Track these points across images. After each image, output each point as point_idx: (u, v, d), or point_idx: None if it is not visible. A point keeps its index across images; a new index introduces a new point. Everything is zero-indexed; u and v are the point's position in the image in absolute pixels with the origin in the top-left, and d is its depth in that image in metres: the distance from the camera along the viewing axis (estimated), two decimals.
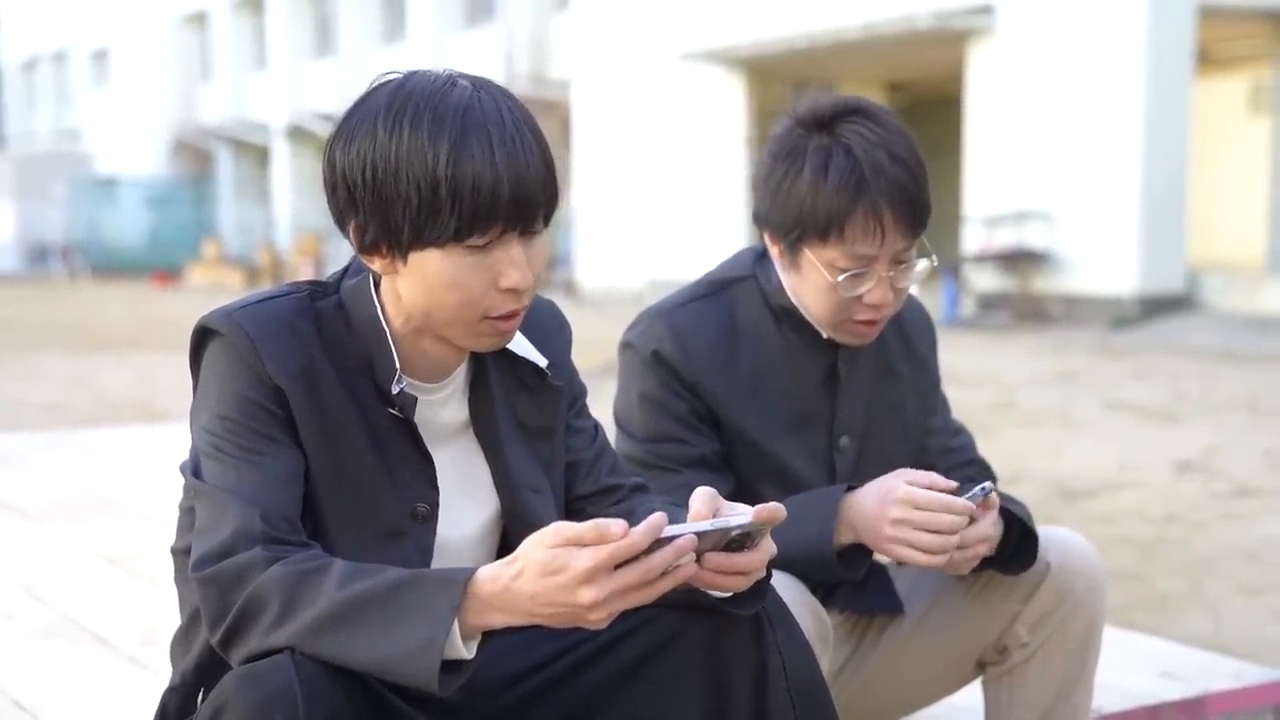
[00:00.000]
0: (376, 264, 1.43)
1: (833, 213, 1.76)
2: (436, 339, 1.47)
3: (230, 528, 1.35)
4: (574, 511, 1.60)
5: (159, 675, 1.60)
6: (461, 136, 1.35)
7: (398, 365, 1.45)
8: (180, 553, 1.52)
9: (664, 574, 1.25)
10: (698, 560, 1.30)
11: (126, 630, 2.75)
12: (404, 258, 1.40)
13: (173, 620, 1.62)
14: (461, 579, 1.27)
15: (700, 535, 1.27)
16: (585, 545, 1.22)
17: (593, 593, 1.22)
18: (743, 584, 1.35)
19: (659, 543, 1.24)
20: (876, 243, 1.77)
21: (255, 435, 1.39)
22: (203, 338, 1.45)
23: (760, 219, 1.86)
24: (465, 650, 1.27)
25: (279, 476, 1.39)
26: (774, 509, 1.32)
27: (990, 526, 1.76)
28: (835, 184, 1.75)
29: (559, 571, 1.22)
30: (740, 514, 1.32)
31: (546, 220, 1.44)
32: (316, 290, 1.48)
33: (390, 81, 1.42)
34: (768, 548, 1.35)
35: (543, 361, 1.57)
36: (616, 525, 1.22)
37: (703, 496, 1.34)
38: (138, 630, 2.74)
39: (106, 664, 2.55)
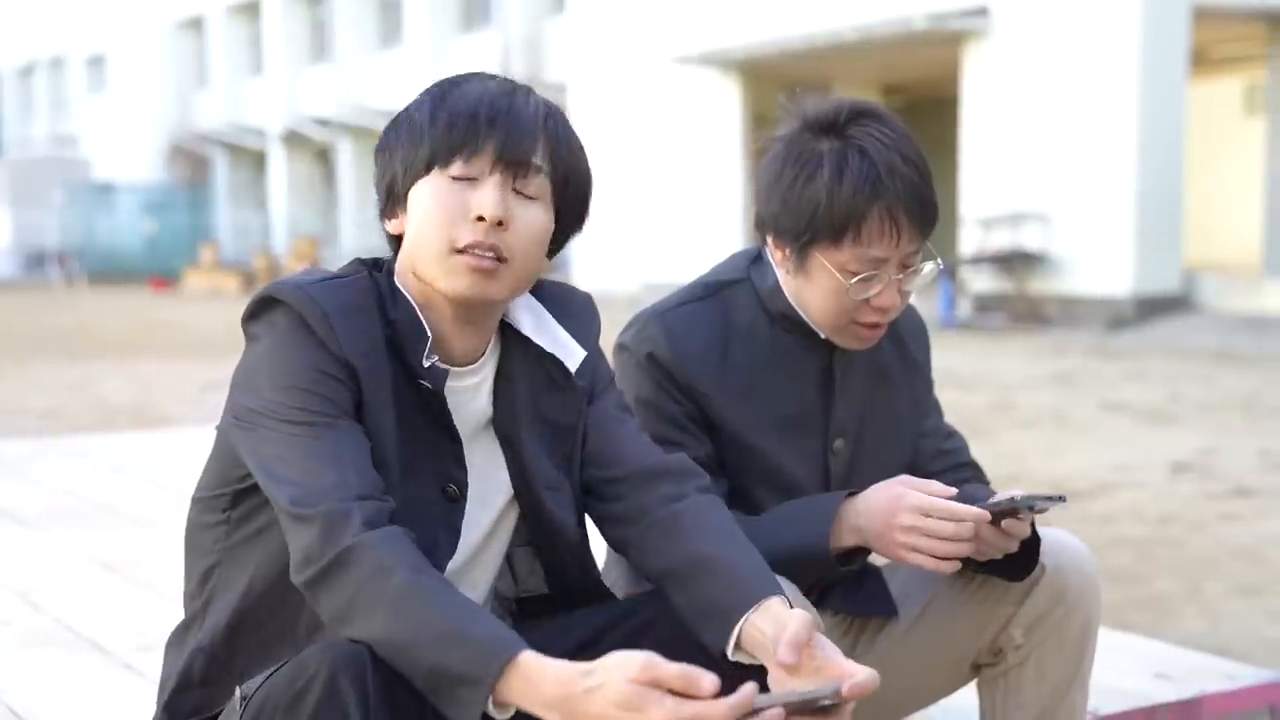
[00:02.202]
0: (391, 225, 1.50)
1: (849, 214, 1.75)
2: (443, 298, 1.49)
3: (321, 475, 1.37)
4: (616, 484, 1.59)
5: (154, 682, 1.60)
6: (456, 81, 1.49)
7: (429, 335, 1.48)
8: (200, 501, 1.54)
9: None
10: None
11: (122, 637, 2.75)
12: (405, 203, 1.48)
13: (168, 625, 1.62)
14: (503, 659, 1.24)
15: (788, 705, 1.20)
16: (672, 688, 1.17)
17: None
18: None
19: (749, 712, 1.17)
20: (891, 244, 1.77)
21: (331, 403, 1.41)
22: (266, 305, 1.46)
23: (766, 223, 1.85)
24: (496, 712, 1.26)
25: (357, 437, 1.42)
26: (868, 682, 1.26)
27: (1027, 529, 1.76)
28: (852, 186, 1.75)
29: (634, 710, 1.17)
30: (831, 684, 1.26)
31: (554, 193, 1.48)
32: (371, 271, 1.53)
33: None
34: (849, 710, 1.27)
35: (575, 359, 1.58)
36: (708, 680, 1.17)
37: (802, 622, 1.32)
38: (133, 636, 2.74)
39: (102, 671, 2.55)
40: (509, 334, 1.56)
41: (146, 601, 3.03)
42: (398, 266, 1.51)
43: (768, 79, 18.81)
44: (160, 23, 35.05)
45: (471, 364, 1.53)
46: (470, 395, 1.53)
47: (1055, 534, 1.93)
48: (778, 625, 1.38)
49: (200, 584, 1.54)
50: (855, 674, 1.28)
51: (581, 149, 1.52)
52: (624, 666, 1.19)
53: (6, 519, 3.98)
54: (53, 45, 39.75)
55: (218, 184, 34.46)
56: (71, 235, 32.18)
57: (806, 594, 1.81)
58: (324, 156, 30.77)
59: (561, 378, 1.58)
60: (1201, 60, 16.42)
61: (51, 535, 3.75)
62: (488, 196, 1.43)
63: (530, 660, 1.24)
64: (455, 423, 1.51)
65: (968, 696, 2.09)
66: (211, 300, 23.16)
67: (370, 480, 1.39)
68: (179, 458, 4.90)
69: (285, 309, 1.44)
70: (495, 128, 1.43)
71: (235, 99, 33.25)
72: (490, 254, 1.44)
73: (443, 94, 1.47)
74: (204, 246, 30.20)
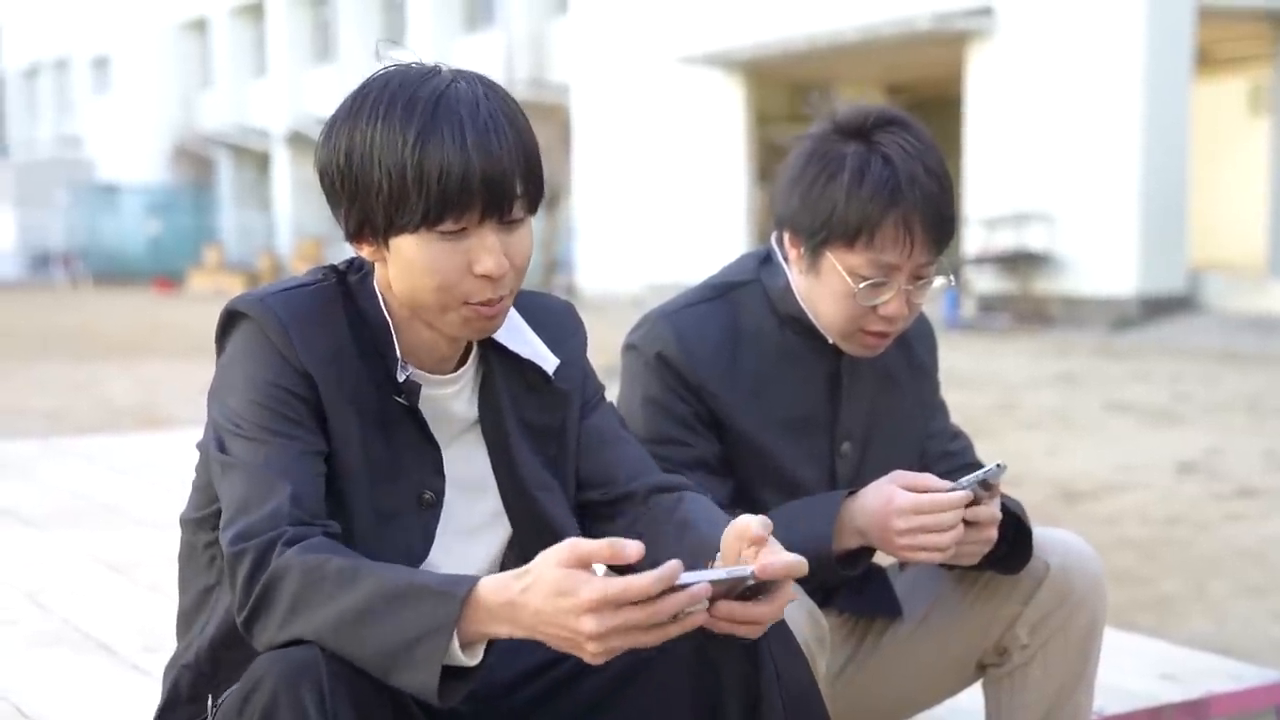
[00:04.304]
0: (365, 251, 1.47)
1: (864, 218, 1.77)
2: (428, 325, 1.49)
3: (260, 508, 1.37)
4: (618, 504, 1.60)
5: (160, 682, 1.61)
6: (431, 123, 1.38)
7: (399, 354, 1.48)
8: (189, 523, 1.55)
9: (673, 619, 1.22)
10: (710, 603, 1.26)
11: (128, 637, 2.75)
12: (385, 244, 1.44)
13: (174, 626, 1.62)
14: (460, 594, 1.26)
15: (714, 583, 1.24)
16: (600, 561, 1.21)
17: (594, 624, 1.19)
18: (755, 633, 1.33)
19: (673, 588, 1.20)
20: (904, 253, 1.78)
21: (285, 419, 1.42)
22: (232, 320, 1.48)
23: (784, 219, 1.86)
24: (466, 657, 1.27)
25: (307, 460, 1.42)
26: (794, 564, 1.29)
27: (997, 509, 1.76)
28: (871, 190, 1.76)
29: (566, 594, 1.20)
30: (748, 566, 1.28)
31: (532, 209, 1.46)
32: (341, 276, 1.52)
33: (376, 77, 1.45)
34: (784, 596, 1.32)
35: (550, 365, 1.58)
36: (632, 547, 1.21)
37: (763, 523, 1.34)
38: (139, 637, 2.74)
39: (108, 671, 2.56)
40: (486, 341, 1.55)
41: (152, 602, 3.03)
42: (378, 282, 1.50)
43: (772, 79, 18.82)
44: (164, 24, 35.08)
45: (451, 371, 1.53)
46: (450, 401, 1.53)
47: (1060, 534, 1.93)
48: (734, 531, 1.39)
49: (199, 603, 1.54)
50: (782, 559, 1.30)
51: (528, 125, 1.46)
52: (552, 555, 1.23)
53: (13, 520, 3.99)
54: (57, 47, 39.79)
55: (222, 185, 34.48)
56: (76, 236, 32.21)
57: (811, 595, 1.81)
58: None
59: (540, 382, 1.58)
60: (1206, 60, 16.40)
61: (57, 536, 3.76)
62: (490, 253, 1.40)
63: (481, 588, 1.26)
64: (434, 430, 1.50)
65: (973, 697, 2.09)
66: (216, 301, 23.13)
67: (309, 505, 1.39)
68: (184, 459, 4.88)
69: (247, 322, 1.46)
70: (483, 182, 1.38)
71: (239, 100, 33.27)
72: (498, 303, 1.45)
73: (419, 142, 1.37)
74: (208, 248, 30.21)
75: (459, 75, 1.44)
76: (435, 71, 1.44)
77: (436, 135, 1.38)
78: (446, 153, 1.37)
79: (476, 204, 1.39)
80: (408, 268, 1.43)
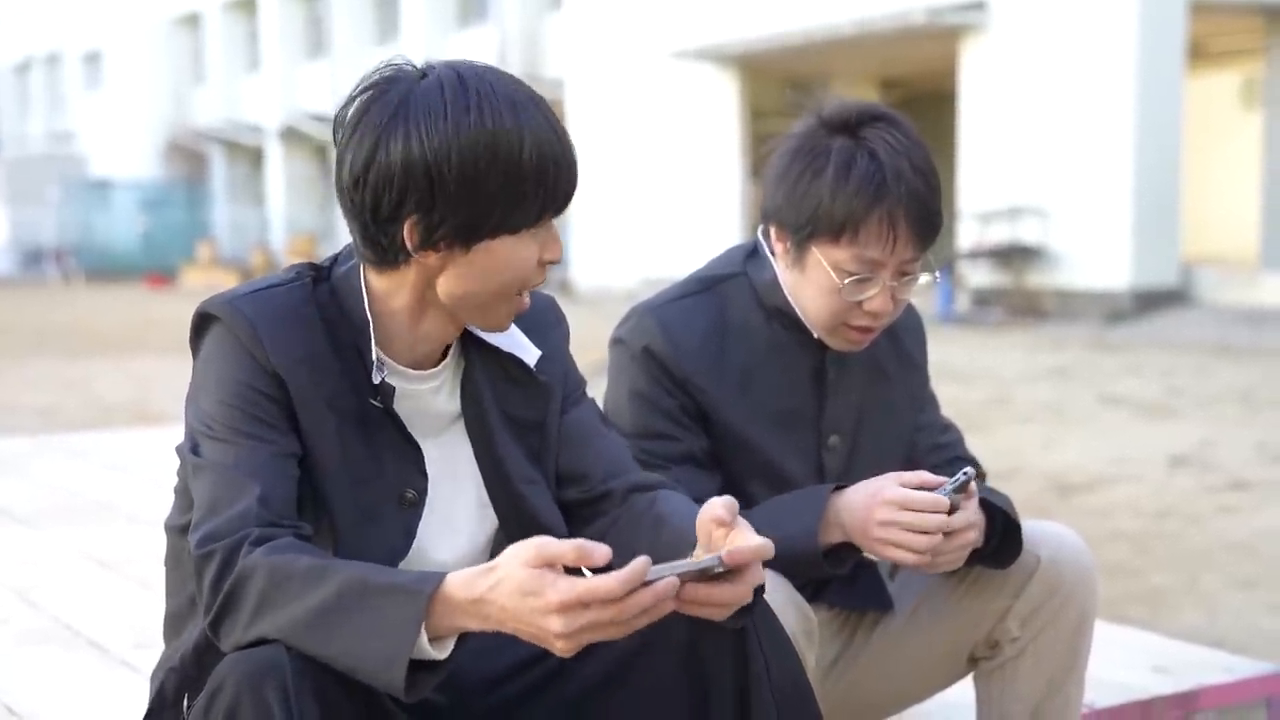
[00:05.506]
0: (431, 259, 1.42)
1: (849, 213, 1.76)
2: (446, 317, 1.47)
3: (228, 509, 1.37)
4: (598, 503, 1.60)
5: (149, 682, 1.61)
6: (529, 118, 1.40)
7: (375, 355, 1.47)
8: (174, 530, 1.55)
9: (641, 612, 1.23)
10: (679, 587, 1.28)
11: (119, 634, 2.75)
12: (468, 247, 1.41)
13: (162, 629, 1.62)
14: (427, 591, 1.26)
15: (682, 575, 1.25)
16: (566, 564, 1.22)
17: (562, 624, 1.21)
18: (722, 614, 1.33)
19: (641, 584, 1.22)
20: (887, 249, 1.78)
21: (255, 421, 1.41)
22: (203, 323, 1.47)
23: (770, 214, 1.86)
24: (435, 651, 1.27)
25: (277, 461, 1.41)
26: (761, 548, 1.30)
27: (975, 514, 1.75)
28: (856, 185, 1.76)
29: (534, 594, 1.21)
30: (715, 554, 1.30)
31: None
32: (317, 275, 1.50)
33: (442, 71, 1.42)
34: (753, 579, 1.32)
35: (531, 357, 1.57)
36: (599, 550, 1.22)
37: (726, 505, 1.34)
38: (130, 633, 2.74)
39: (99, 668, 2.55)
40: (466, 337, 1.55)
41: (143, 599, 3.03)
42: (390, 281, 1.45)
43: (765, 74, 18.80)
44: (157, 19, 35.02)
45: (431, 367, 1.53)
46: (430, 397, 1.53)
47: (1051, 527, 1.93)
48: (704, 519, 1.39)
49: (186, 608, 1.53)
50: (750, 542, 1.31)
51: None
52: (519, 554, 1.24)
53: (4, 517, 3.99)
54: (49, 42, 39.71)
55: (215, 181, 34.43)
56: (68, 232, 32.14)
57: (800, 589, 1.81)
58: (322, 153, 30.73)
59: (521, 374, 1.57)
60: (1199, 54, 16.41)
61: (49, 533, 3.75)
62: (557, 243, 1.45)
63: (448, 585, 1.26)
64: (415, 426, 1.50)
65: (964, 691, 2.09)
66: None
67: (278, 506, 1.38)
68: (176, 455, 4.89)
69: (218, 324, 1.45)
70: (574, 172, 1.44)
71: (232, 95, 33.21)
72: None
73: (533, 141, 1.38)
74: (201, 243, 30.17)
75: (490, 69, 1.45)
76: (472, 67, 1.44)
77: (539, 131, 1.40)
78: (555, 149, 1.41)
79: (564, 196, 1.44)
80: (494, 267, 1.42)
